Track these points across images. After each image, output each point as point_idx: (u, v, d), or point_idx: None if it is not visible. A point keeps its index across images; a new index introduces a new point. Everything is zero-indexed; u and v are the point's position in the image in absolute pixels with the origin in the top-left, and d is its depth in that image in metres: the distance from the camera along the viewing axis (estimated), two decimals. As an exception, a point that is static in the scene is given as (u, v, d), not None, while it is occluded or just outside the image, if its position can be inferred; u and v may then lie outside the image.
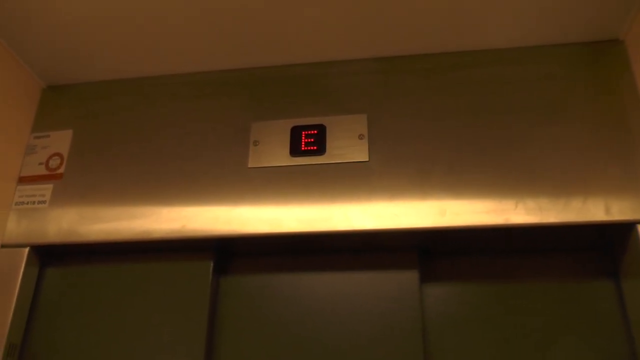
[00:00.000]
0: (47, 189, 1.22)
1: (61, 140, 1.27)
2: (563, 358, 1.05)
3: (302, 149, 1.14)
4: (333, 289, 1.12)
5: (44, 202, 1.21)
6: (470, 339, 1.08)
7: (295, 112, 1.19)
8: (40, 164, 1.26)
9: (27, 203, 1.21)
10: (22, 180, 1.25)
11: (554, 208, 1.02)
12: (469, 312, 1.10)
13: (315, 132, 1.14)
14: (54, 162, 1.25)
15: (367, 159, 1.11)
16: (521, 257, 1.13)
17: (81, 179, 1.22)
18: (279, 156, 1.14)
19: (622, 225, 1.01)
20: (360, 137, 1.13)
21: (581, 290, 1.09)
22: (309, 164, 1.13)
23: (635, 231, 1.00)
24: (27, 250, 1.17)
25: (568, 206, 1.02)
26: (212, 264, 1.14)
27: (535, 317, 1.08)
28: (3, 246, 1.18)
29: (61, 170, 1.24)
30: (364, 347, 1.07)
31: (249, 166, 1.15)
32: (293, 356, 1.09)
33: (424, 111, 1.14)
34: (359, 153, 1.12)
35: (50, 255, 1.22)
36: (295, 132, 1.16)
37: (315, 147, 1.13)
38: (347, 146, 1.13)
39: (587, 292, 1.09)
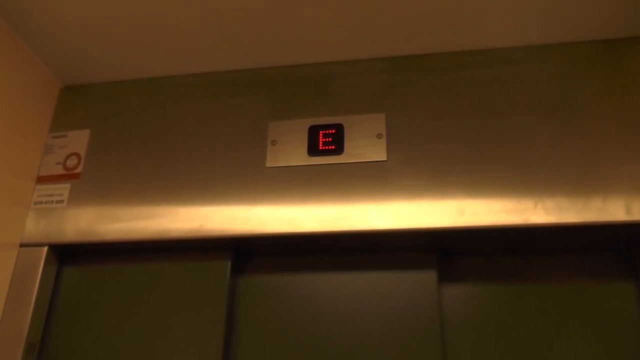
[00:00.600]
0: (65, 188, 1.23)
1: (79, 140, 1.28)
2: (581, 357, 1.04)
3: (320, 148, 1.14)
4: (351, 289, 1.12)
5: (62, 201, 1.21)
6: (488, 340, 1.08)
7: (313, 111, 1.19)
8: (58, 163, 1.26)
9: (46, 202, 1.22)
10: (41, 180, 1.25)
11: (573, 208, 1.02)
12: (487, 313, 1.10)
13: (333, 131, 1.14)
14: (71, 162, 1.25)
15: (386, 159, 1.11)
16: (540, 257, 1.12)
17: (99, 179, 1.22)
18: (297, 156, 1.14)
19: (643, 226, 1.00)
20: (379, 136, 1.13)
21: (600, 291, 1.08)
22: (327, 163, 1.13)
23: (656, 232, 0.99)
24: (45, 249, 1.18)
25: (588, 206, 1.01)
26: (229, 264, 1.14)
27: (554, 318, 1.08)
28: (22, 245, 1.18)
29: (79, 169, 1.25)
30: (381, 347, 1.06)
31: (267, 166, 1.15)
32: (310, 356, 1.09)
33: (442, 110, 1.13)
34: (377, 152, 1.11)
35: (68, 255, 1.22)
36: (313, 132, 1.16)
37: (333, 147, 1.13)
38: (365, 145, 1.12)
39: (606, 294, 1.08)
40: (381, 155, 1.11)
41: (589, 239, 1.08)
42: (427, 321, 1.07)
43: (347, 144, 1.13)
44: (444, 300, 1.11)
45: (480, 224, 1.03)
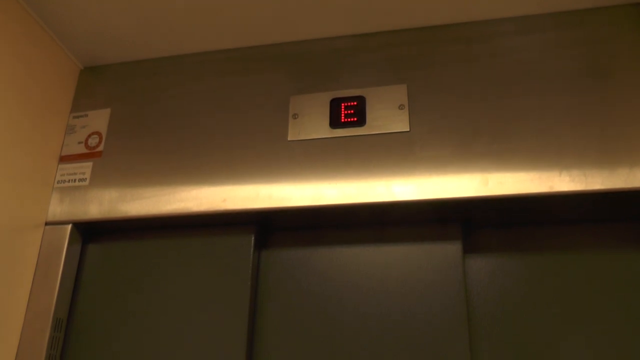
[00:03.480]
0: (87, 167, 1.23)
1: (99, 119, 1.28)
2: (608, 329, 1.03)
3: (342, 120, 1.13)
4: (375, 262, 1.12)
5: (84, 179, 1.22)
6: (513, 310, 1.07)
7: (334, 84, 1.18)
8: (80, 143, 1.27)
9: (69, 181, 1.23)
10: (63, 159, 1.26)
11: (599, 175, 1.00)
12: (512, 283, 1.09)
13: (355, 103, 1.14)
14: (93, 141, 1.26)
15: (408, 129, 1.10)
16: (565, 227, 1.11)
17: (120, 157, 1.23)
18: (319, 128, 1.14)
19: (671, 192, 0.99)
20: (401, 107, 1.12)
21: (626, 260, 1.07)
22: (349, 135, 1.12)
23: (684, 198, 0.98)
24: (69, 227, 1.19)
25: (614, 173, 1.00)
26: (253, 238, 1.14)
27: (580, 288, 1.07)
28: (47, 224, 1.20)
29: (100, 148, 1.25)
30: (407, 319, 1.06)
31: (289, 139, 1.14)
32: (334, 329, 1.08)
33: (465, 80, 1.12)
34: (399, 123, 1.11)
35: (92, 232, 1.23)
36: (335, 104, 1.15)
37: (355, 119, 1.13)
38: (387, 117, 1.12)
39: (633, 263, 1.07)
40: (404, 126, 1.10)
41: (615, 207, 1.07)
42: (452, 293, 1.06)
43: (369, 116, 1.13)
44: (469, 272, 1.11)
45: (505, 193, 1.02)
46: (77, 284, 1.20)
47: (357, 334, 1.07)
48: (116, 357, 1.12)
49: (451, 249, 1.10)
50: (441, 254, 1.10)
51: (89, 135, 1.27)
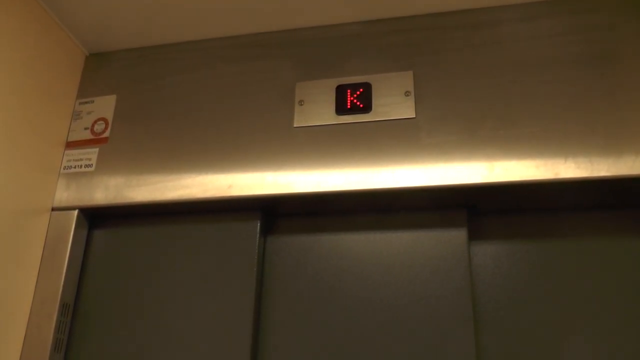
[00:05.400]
0: (93, 153, 1.24)
1: (105, 105, 1.29)
2: (613, 317, 1.03)
3: (348, 107, 1.13)
4: (380, 249, 1.12)
5: (90, 165, 1.23)
6: (518, 297, 1.07)
7: (340, 71, 1.18)
8: (86, 128, 1.27)
9: (75, 167, 1.23)
10: (69, 145, 1.26)
11: (605, 162, 1.00)
12: (517, 270, 1.09)
13: (361, 90, 1.14)
14: (99, 127, 1.26)
15: (414, 116, 1.10)
16: (571, 214, 1.11)
17: (127, 143, 1.23)
18: (325, 115, 1.14)
19: (677, 179, 0.99)
20: (407, 94, 1.12)
21: (631, 248, 1.07)
22: (355, 122, 1.12)
23: (691, 185, 0.98)
24: (76, 213, 1.20)
25: (620, 160, 1.00)
26: (258, 224, 1.15)
27: (585, 275, 1.07)
28: (54, 209, 1.20)
29: (106, 134, 1.25)
30: (412, 306, 1.07)
31: (295, 126, 1.15)
32: (339, 313, 1.09)
33: (471, 66, 1.12)
34: (405, 110, 1.11)
35: (98, 218, 1.24)
36: (341, 91, 1.15)
37: (361, 105, 1.13)
38: (393, 103, 1.12)
39: (637, 249, 1.07)
40: (409, 113, 1.10)
41: (621, 194, 1.07)
42: (458, 279, 1.07)
43: (375, 102, 1.13)
44: (474, 258, 1.11)
45: (511, 180, 1.02)
46: (84, 270, 1.20)
47: (362, 319, 1.08)
48: (122, 341, 1.13)
49: (456, 236, 1.10)
50: (446, 241, 1.10)
51: (95, 122, 1.27)
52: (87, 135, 1.26)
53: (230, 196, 1.12)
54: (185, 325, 1.11)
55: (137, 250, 1.19)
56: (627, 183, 1.01)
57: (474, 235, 1.12)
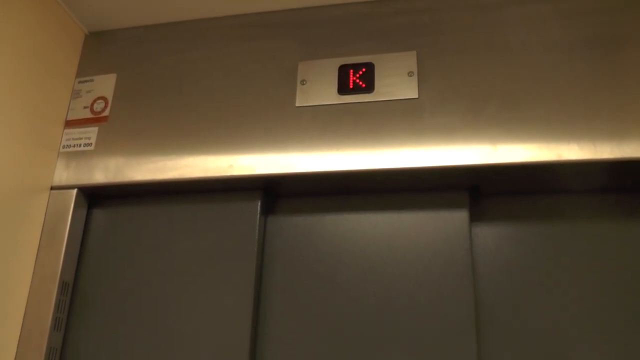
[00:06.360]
0: (92, 132, 1.23)
1: (105, 84, 1.28)
2: (614, 298, 1.03)
3: (351, 87, 1.12)
4: (382, 229, 1.12)
5: (90, 144, 1.22)
6: (520, 279, 1.07)
7: (342, 51, 1.17)
8: (85, 107, 1.26)
9: (74, 146, 1.22)
10: (69, 124, 1.25)
11: (608, 144, 1.00)
12: (519, 252, 1.09)
13: (364, 70, 1.13)
14: (98, 106, 1.25)
15: (417, 96, 1.09)
16: (574, 196, 1.11)
17: (126, 122, 1.22)
18: (327, 95, 1.13)
19: (679, 162, 0.99)
20: (410, 74, 1.11)
21: (633, 230, 1.07)
22: (358, 102, 1.11)
23: (694, 168, 0.98)
24: (75, 192, 1.19)
25: (623, 142, 0.99)
26: (259, 204, 1.14)
27: (587, 258, 1.07)
28: (53, 188, 1.19)
29: (106, 113, 1.24)
30: (412, 287, 1.06)
31: (297, 105, 1.14)
32: (340, 293, 1.09)
33: (475, 47, 1.11)
34: (408, 90, 1.10)
35: (97, 197, 1.23)
36: (343, 71, 1.14)
37: (363, 85, 1.12)
38: (396, 84, 1.11)
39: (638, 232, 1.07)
40: (412, 93, 1.10)
41: (625, 177, 1.06)
42: (459, 261, 1.06)
43: (377, 82, 1.12)
44: (476, 240, 1.11)
45: (513, 161, 1.02)
46: (83, 249, 1.20)
47: (363, 299, 1.08)
48: (122, 320, 1.13)
49: (458, 217, 1.10)
50: (448, 222, 1.10)
51: (95, 100, 1.26)
52: (87, 114, 1.25)
53: (231, 175, 1.12)
54: (184, 305, 1.11)
55: (137, 229, 1.19)
56: (630, 165, 1.00)
57: (476, 217, 1.12)
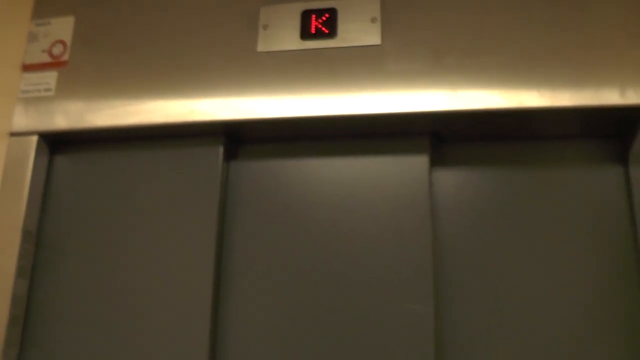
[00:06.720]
0: (52, 76, 1.20)
1: (63, 28, 1.24)
2: (569, 243, 1.07)
3: (313, 32, 1.11)
4: (343, 174, 1.13)
5: (49, 89, 1.19)
6: (478, 223, 1.10)
7: (305, -5, 1.15)
8: (44, 51, 1.23)
9: (33, 91, 1.20)
10: (27, 68, 1.22)
11: (567, 91, 1.01)
12: (478, 197, 1.11)
13: (327, 15, 1.12)
14: (57, 50, 1.22)
15: (380, 43, 1.08)
16: (533, 143, 1.13)
17: (87, 67, 1.20)
18: (289, 40, 1.12)
19: (636, 110, 1.00)
20: (373, 20, 1.10)
21: (591, 176, 1.10)
22: (320, 47, 1.10)
23: (648, 117, 0.99)
24: (35, 138, 1.17)
25: (582, 90, 1.01)
26: (221, 149, 1.14)
27: (544, 203, 1.09)
28: (12, 135, 1.17)
29: (65, 57, 1.22)
30: (373, 229, 1.08)
31: (259, 50, 1.12)
32: (303, 237, 1.11)
33: (439, -7, 1.10)
34: (371, 36, 1.09)
35: (59, 143, 1.22)
36: (306, 16, 1.13)
37: (326, 31, 1.11)
38: (359, 30, 1.10)
39: (596, 179, 1.09)
40: (375, 40, 1.09)
41: (583, 124, 1.08)
42: (418, 204, 1.08)
43: (340, 28, 1.11)
44: (435, 184, 1.13)
45: (475, 108, 1.03)
46: (46, 197, 1.19)
47: (325, 243, 1.09)
48: (87, 266, 1.14)
49: (418, 162, 1.11)
50: (409, 167, 1.11)
51: (53, 44, 1.23)
52: (45, 58, 1.22)
53: (193, 121, 1.11)
54: (147, 251, 1.12)
55: (100, 176, 1.18)
56: (589, 113, 1.02)
57: (436, 162, 1.13)
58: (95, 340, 1.10)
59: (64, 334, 1.11)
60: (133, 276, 1.11)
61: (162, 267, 1.10)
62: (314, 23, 1.11)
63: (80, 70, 1.19)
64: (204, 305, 1.07)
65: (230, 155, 1.18)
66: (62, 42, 1.22)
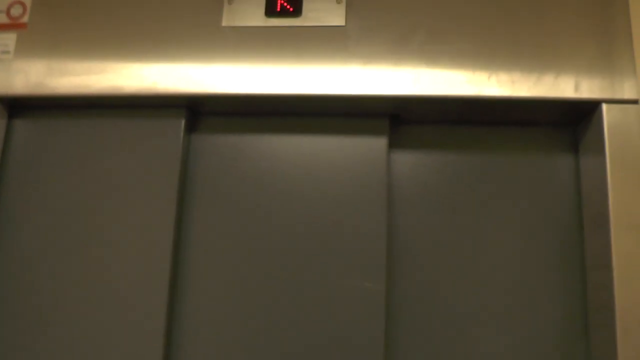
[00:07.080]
0: (10, 38, 1.18)
1: (23, -13, 1.21)
2: (520, 225, 1.11)
3: (277, 10, 1.11)
4: (303, 152, 1.14)
5: (8, 52, 1.17)
6: (435, 205, 1.13)
7: (271, -29, 1.14)
8: (1, 12, 1.20)
9: (-9, 53, 1.17)
10: (-17, 28, 1.20)
11: (526, 82, 1.03)
12: (435, 179, 1.14)
13: (292, -7, 1.11)
14: (15, 11, 1.19)
15: (344, 24, 1.09)
16: (491, 129, 1.16)
17: (47, 30, 1.17)
18: (254, 16, 1.11)
19: (589, 104, 1.04)
20: (338, 1, 1.10)
21: (545, 163, 1.13)
22: (284, 25, 1.10)
23: (599, 110, 1.03)
24: (-8, 101, 1.16)
25: (540, 81, 1.03)
26: (183, 122, 1.14)
27: (498, 188, 1.13)
28: (-33, 96, 1.16)
29: (24, 19, 1.19)
30: (330, 207, 1.11)
31: (223, 25, 1.12)
32: (261, 213, 1.13)
33: (405, -23, 1.10)
34: (335, 17, 1.09)
35: (18, 108, 1.20)
36: (271, -7, 1.12)
37: (291, 9, 1.10)
38: (323, 9, 1.10)
39: (550, 165, 1.13)
40: (339, 21, 1.09)
41: (539, 114, 1.11)
42: (376, 184, 1.11)
43: (305, 7, 1.11)
44: (393, 165, 1.15)
45: (434, 94, 1.05)
46: (4, 163, 1.18)
47: (282, 219, 1.12)
48: (42, 233, 1.14)
49: (377, 143, 1.13)
50: (368, 147, 1.13)
51: (11, 5, 1.20)
52: (3, 19, 1.19)
53: (155, 92, 1.11)
54: (106, 221, 1.12)
55: (58, 143, 1.17)
56: (544, 104, 1.05)
57: (395, 144, 1.16)
58: (45, 310, 1.11)
59: (13, 308, 1.12)
60: (92, 246, 1.12)
61: (120, 237, 1.11)
62: (279, 1, 1.11)
63: (41, 33, 1.17)
64: (161, 274, 1.09)
65: (192, 127, 1.18)
66: (21, 3, 1.19)
